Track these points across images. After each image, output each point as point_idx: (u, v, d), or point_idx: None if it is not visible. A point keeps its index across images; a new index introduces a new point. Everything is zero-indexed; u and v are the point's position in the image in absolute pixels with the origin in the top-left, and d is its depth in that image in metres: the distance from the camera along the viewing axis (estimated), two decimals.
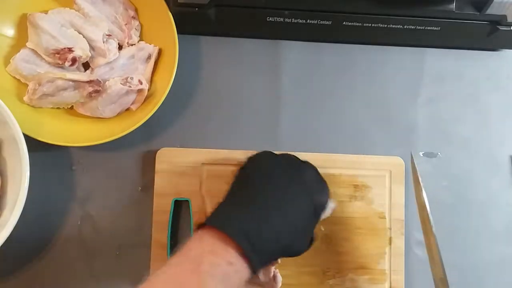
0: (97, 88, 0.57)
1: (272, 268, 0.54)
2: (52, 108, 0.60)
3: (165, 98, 0.58)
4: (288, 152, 0.55)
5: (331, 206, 0.54)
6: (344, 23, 0.61)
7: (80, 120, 0.60)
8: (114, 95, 0.58)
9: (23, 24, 0.60)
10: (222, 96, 0.64)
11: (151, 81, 0.62)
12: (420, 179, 0.55)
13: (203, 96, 0.64)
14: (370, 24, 0.61)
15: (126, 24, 0.61)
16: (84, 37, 0.59)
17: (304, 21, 0.61)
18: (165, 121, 0.63)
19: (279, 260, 0.54)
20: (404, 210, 0.61)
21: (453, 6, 0.59)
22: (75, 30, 0.59)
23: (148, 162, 0.61)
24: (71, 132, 0.59)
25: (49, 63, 0.59)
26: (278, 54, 0.65)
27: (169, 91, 0.58)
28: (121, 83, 0.58)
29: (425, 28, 0.61)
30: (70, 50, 0.58)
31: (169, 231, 0.59)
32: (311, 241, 0.51)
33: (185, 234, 0.60)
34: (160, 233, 0.59)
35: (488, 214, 0.64)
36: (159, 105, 0.58)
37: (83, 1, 0.60)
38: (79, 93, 0.58)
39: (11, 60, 0.59)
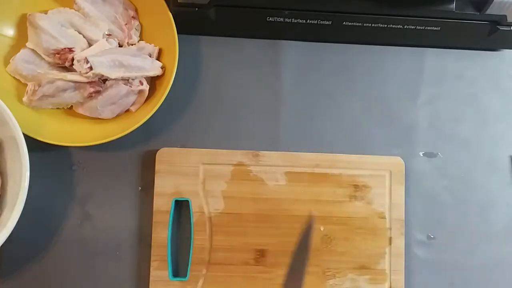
0: (97, 89, 0.57)
1: None
2: (52, 108, 0.60)
3: (165, 98, 0.58)
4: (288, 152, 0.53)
5: None
6: (344, 23, 0.61)
7: (80, 120, 0.60)
8: (114, 95, 0.58)
9: (23, 24, 0.60)
10: (222, 96, 0.64)
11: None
12: None
13: (203, 96, 0.64)
14: (370, 24, 0.61)
15: (126, 24, 0.61)
16: (84, 37, 0.59)
17: (304, 21, 0.61)
18: (165, 121, 0.63)
19: None
20: (404, 210, 0.61)
21: (453, 6, 0.59)
22: (75, 30, 0.59)
23: (148, 162, 0.61)
24: (71, 132, 0.59)
25: (49, 63, 0.59)
26: (278, 54, 0.65)
27: (169, 91, 0.58)
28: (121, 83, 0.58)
29: (425, 28, 0.61)
30: (70, 50, 0.58)
31: (169, 231, 0.59)
32: None
33: (185, 234, 0.60)
34: (160, 233, 0.59)
35: (488, 214, 0.64)
36: (159, 105, 0.58)
37: (83, 1, 0.60)
38: (80, 94, 0.58)
39: (11, 60, 0.59)
